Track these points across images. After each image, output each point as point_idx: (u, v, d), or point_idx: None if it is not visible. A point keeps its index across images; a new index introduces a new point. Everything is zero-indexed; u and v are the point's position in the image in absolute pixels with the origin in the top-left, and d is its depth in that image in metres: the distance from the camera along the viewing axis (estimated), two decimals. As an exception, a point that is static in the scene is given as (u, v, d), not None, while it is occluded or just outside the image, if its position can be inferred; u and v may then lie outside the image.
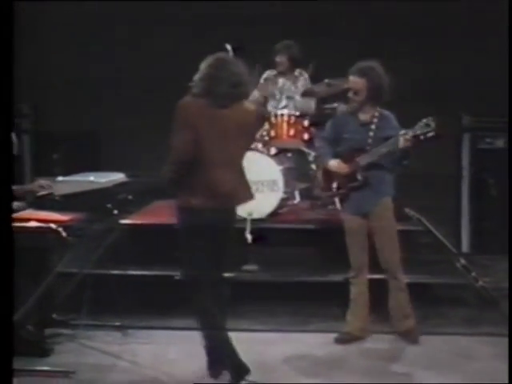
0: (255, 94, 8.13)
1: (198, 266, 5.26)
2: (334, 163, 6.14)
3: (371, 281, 6.25)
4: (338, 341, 6.15)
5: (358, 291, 6.19)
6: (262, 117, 7.64)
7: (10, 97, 4.79)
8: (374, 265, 6.21)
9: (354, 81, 6.09)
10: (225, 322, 5.42)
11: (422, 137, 5.89)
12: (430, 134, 5.89)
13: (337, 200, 6.26)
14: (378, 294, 6.22)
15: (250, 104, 5.54)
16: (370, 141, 6.06)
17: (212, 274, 5.32)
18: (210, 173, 5.17)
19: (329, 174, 6.24)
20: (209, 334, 5.32)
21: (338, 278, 6.79)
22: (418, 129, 5.89)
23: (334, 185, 6.21)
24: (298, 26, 9.11)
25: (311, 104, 8.12)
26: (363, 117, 6.13)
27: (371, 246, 6.16)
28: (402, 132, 5.93)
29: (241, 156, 5.40)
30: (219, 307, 5.38)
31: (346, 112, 6.24)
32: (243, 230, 6.99)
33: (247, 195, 5.46)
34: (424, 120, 5.90)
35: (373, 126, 6.09)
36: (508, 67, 7.89)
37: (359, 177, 6.06)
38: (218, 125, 5.19)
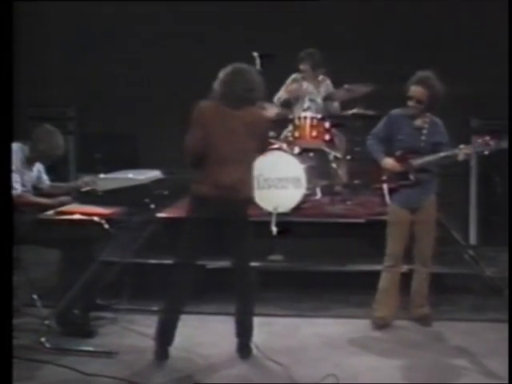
0: (280, 95, 8.16)
1: (189, 253, 5.41)
2: (389, 161, 6.09)
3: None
4: (375, 326, 6.14)
5: (391, 280, 6.15)
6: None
7: (10, 97, 4.80)
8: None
9: (417, 90, 5.97)
10: (253, 307, 5.53)
11: (478, 153, 6.00)
12: (487, 152, 5.96)
13: (386, 193, 6.24)
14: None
15: (260, 109, 5.55)
16: (422, 144, 6.05)
17: (195, 263, 5.46)
18: (217, 165, 5.28)
19: (378, 169, 6.18)
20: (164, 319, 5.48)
21: (356, 267, 6.86)
22: (479, 146, 5.92)
23: (384, 179, 6.18)
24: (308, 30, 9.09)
25: (336, 106, 8.16)
26: (417, 121, 6.09)
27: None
28: (462, 146, 5.90)
29: (248, 154, 5.44)
30: (248, 294, 5.49)
31: (401, 115, 6.13)
32: (269, 223, 7.04)
33: (247, 192, 5.51)
34: (484, 139, 5.91)
35: (425, 131, 6.07)
36: (508, 69, 7.85)
37: (411, 177, 6.06)
38: (228, 124, 5.29)
